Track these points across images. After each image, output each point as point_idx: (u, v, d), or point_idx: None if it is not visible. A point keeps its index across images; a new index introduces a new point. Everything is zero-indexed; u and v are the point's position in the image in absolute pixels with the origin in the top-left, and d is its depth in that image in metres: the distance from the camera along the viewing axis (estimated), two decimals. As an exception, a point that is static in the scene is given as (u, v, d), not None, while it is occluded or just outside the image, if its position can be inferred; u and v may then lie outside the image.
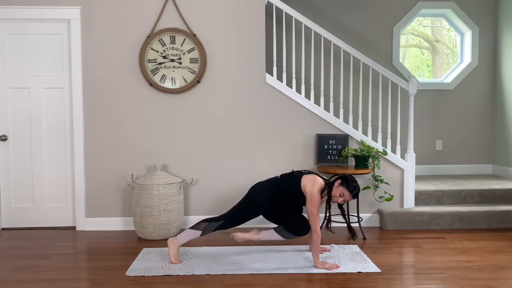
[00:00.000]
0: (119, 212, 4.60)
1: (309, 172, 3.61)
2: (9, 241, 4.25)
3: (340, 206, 3.54)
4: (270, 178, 3.71)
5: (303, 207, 3.62)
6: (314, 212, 3.39)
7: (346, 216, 3.62)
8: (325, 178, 3.58)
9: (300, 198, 3.52)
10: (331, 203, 3.47)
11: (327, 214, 4.24)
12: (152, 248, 3.96)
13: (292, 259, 3.64)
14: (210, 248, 3.92)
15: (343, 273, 3.34)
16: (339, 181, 3.42)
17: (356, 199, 3.73)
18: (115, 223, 4.59)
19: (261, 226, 4.17)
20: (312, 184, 3.43)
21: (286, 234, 3.50)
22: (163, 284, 3.16)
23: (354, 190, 3.41)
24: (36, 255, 3.82)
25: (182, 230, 4.05)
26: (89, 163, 4.56)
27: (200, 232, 3.56)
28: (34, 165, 4.59)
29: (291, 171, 3.68)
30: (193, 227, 3.61)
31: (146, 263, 3.55)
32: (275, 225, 3.64)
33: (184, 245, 3.81)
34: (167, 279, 3.25)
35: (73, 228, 4.63)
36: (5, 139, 4.57)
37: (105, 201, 4.58)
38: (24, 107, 4.56)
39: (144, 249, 3.93)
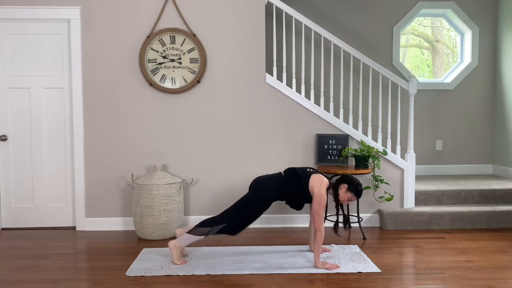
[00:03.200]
0: (119, 212, 4.60)
1: (314, 170, 3.64)
2: (9, 241, 4.25)
3: (340, 205, 3.61)
4: (273, 175, 3.68)
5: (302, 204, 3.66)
6: (320, 212, 3.43)
7: (343, 214, 3.65)
8: (328, 177, 3.63)
9: (305, 197, 3.56)
10: (340, 206, 3.58)
11: (337, 219, 4.07)
12: (152, 248, 3.95)
13: (292, 259, 3.63)
14: (210, 248, 3.92)
15: (343, 273, 3.34)
16: (346, 185, 3.52)
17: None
18: (115, 223, 4.59)
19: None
20: (320, 185, 3.49)
21: (207, 226, 3.47)
22: (163, 284, 3.16)
23: (361, 193, 3.59)
24: (36, 255, 3.82)
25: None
26: (89, 163, 4.56)
27: (202, 237, 3.52)
28: (34, 165, 4.59)
29: (294, 168, 3.64)
30: (193, 232, 3.50)
31: (146, 263, 3.55)
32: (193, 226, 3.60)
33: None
34: (167, 279, 3.25)
35: (73, 228, 4.63)
36: (5, 139, 4.57)
37: (105, 201, 4.58)
38: (24, 107, 4.56)
39: (144, 249, 3.92)
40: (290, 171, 3.63)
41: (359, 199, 4.43)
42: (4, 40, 4.51)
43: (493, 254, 3.77)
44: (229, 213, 3.54)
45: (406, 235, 4.35)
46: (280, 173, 3.69)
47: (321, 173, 3.63)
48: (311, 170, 3.64)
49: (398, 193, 4.69)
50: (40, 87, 4.55)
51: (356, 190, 3.54)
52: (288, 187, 3.56)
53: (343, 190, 3.53)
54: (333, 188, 3.55)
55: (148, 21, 4.51)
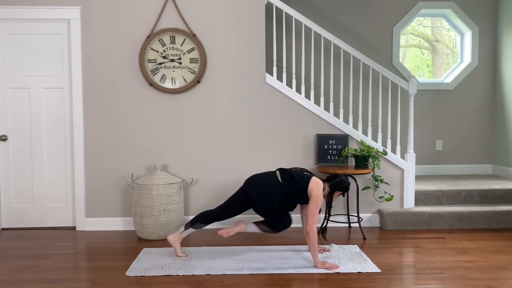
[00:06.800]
0: (119, 212, 4.60)
1: (306, 171, 3.68)
2: (9, 241, 4.25)
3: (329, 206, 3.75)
4: (269, 177, 3.66)
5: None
6: (317, 213, 3.49)
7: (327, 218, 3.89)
8: (321, 178, 3.70)
9: (302, 199, 3.59)
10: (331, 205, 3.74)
11: (325, 224, 4.30)
12: (152, 248, 3.96)
13: (292, 259, 3.64)
14: (210, 248, 3.92)
15: (343, 273, 3.34)
16: (340, 192, 3.67)
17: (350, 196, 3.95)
18: (115, 223, 4.59)
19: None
20: (318, 188, 3.55)
21: (267, 229, 3.69)
22: (163, 284, 3.16)
23: (341, 187, 3.67)
24: (36, 255, 3.82)
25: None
26: (89, 163, 4.56)
27: (198, 224, 3.72)
28: (34, 165, 4.59)
29: (290, 173, 3.63)
30: (194, 226, 3.72)
31: (146, 263, 3.55)
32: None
33: (184, 245, 3.82)
34: (167, 279, 3.25)
35: (73, 228, 4.63)
36: (5, 139, 4.57)
37: (105, 201, 4.58)
38: (24, 107, 4.56)
39: (144, 249, 3.93)
40: (285, 173, 3.63)
41: (359, 200, 4.45)
42: (4, 40, 4.51)
43: (493, 254, 3.78)
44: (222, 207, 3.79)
45: (406, 235, 4.35)
46: (274, 172, 3.68)
47: (314, 174, 3.72)
48: (308, 173, 3.66)
49: (398, 193, 4.69)
50: (40, 87, 4.55)
51: (344, 190, 3.68)
52: (290, 194, 3.60)
53: (336, 194, 3.69)
54: (329, 194, 3.66)
55: (148, 21, 4.51)
